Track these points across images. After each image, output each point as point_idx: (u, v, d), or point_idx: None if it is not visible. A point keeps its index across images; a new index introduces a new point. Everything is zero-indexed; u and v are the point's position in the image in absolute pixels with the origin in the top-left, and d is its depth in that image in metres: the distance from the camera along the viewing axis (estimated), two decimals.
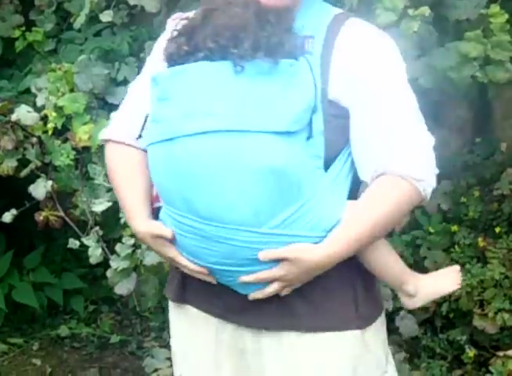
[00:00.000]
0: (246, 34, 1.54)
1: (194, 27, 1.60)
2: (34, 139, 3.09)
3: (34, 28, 3.36)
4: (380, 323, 1.81)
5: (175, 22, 1.69)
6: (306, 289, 1.65)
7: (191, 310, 1.81)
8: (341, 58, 1.63)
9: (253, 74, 1.52)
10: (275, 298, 1.64)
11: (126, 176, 1.76)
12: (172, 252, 1.67)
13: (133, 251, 2.91)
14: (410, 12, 2.37)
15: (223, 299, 1.72)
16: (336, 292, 1.69)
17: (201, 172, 1.52)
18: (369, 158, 1.61)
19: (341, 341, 1.70)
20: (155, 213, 1.72)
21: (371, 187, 1.60)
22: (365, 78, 1.62)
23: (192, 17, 1.64)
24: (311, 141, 1.56)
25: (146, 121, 1.70)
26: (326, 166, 1.61)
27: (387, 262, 1.73)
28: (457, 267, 1.81)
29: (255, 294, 1.63)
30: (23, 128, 3.07)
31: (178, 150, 1.54)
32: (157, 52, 1.79)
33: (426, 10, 2.37)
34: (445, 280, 1.80)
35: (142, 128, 1.71)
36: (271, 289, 1.61)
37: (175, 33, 1.63)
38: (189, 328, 1.84)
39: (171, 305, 1.89)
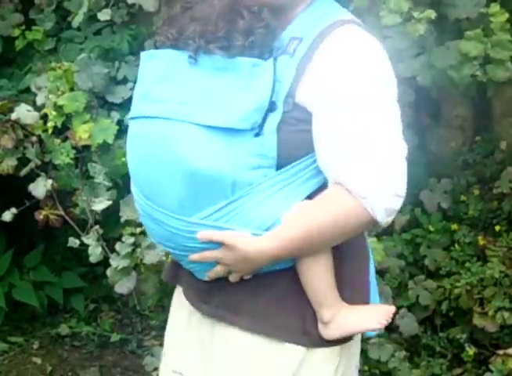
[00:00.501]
0: (207, 27, 1.56)
1: (174, 17, 1.64)
2: (34, 138, 3.09)
3: (33, 27, 3.36)
4: (340, 356, 1.70)
5: None
6: (259, 290, 1.64)
7: (179, 290, 1.85)
8: (319, 63, 1.57)
9: (208, 67, 1.55)
10: (229, 291, 1.66)
11: None
12: None
13: (133, 250, 2.92)
14: (415, 14, 2.37)
15: (194, 285, 1.73)
16: (286, 301, 1.65)
17: (143, 154, 1.61)
18: (326, 166, 1.56)
19: (280, 350, 1.65)
20: None
21: (323, 193, 1.56)
22: (332, 85, 1.54)
23: (174, 9, 1.67)
24: (260, 139, 1.54)
25: None
26: (279, 166, 1.57)
27: (316, 277, 1.62)
28: (387, 307, 1.68)
29: (208, 273, 1.63)
30: (23, 127, 3.08)
31: (133, 128, 1.65)
32: None
33: (432, 13, 2.37)
34: (371, 316, 1.65)
35: None
36: (215, 270, 1.62)
37: (162, 22, 1.69)
38: (174, 308, 1.88)
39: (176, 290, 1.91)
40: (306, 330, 1.65)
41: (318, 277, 1.62)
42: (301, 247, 1.56)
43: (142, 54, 1.67)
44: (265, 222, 1.56)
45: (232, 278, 1.63)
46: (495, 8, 2.43)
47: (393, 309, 1.67)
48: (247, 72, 1.54)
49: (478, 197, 3.30)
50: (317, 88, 1.55)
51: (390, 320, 1.66)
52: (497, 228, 3.23)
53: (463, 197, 3.31)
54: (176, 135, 1.55)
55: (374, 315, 1.65)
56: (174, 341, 1.85)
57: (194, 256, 1.60)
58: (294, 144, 1.57)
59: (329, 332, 1.64)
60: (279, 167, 1.57)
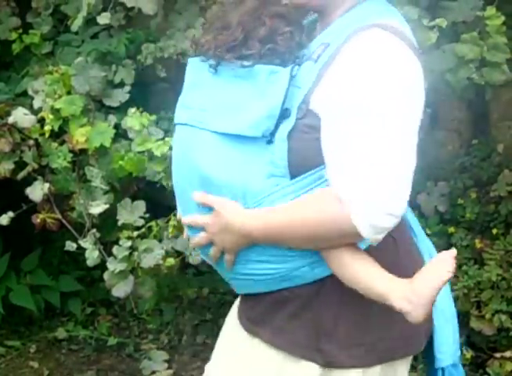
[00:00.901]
0: (224, 35, 1.59)
1: (208, 25, 1.70)
2: (31, 142, 3.09)
3: (30, 31, 3.36)
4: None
5: None
6: (277, 305, 1.64)
7: None
8: (336, 69, 1.50)
9: (228, 76, 1.58)
10: (253, 304, 1.68)
11: None
12: None
13: (130, 254, 2.91)
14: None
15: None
16: (300, 318, 1.63)
17: (174, 159, 1.69)
18: (327, 168, 1.51)
19: (296, 366, 1.63)
20: None
21: (317, 192, 1.52)
22: (342, 91, 1.47)
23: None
24: (271, 147, 1.52)
25: None
26: (292, 175, 1.53)
27: (358, 271, 1.54)
28: (446, 254, 1.52)
29: (192, 239, 1.68)
30: (20, 131, 3.07)
31: (175, 134, 1.72)
32: None
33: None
34: (438, 271, 1.49)
35: None
36: (199, 235, 1.64)
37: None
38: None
39: None
40: (319, 348, 1.60)
41: (356, 276, 1.54)
42: (279, 237, 1.53)
43: (188, 60, 1.73)
44: None
45: (212, 252, 1.63)
46: (491, 11, 2.43)
47: (453, 251, 1.51)
48: (264, 80, 1.53)
49: (475, 200, 3.30)
50: (328, 94, 1.49)
51: (455, 264, 1.50)
52: (494, 231, 3.23)
53: (460, 200, 3.31)
54: (195, 141, 1.60)
55: (440, 268, 1.49)
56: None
57: (186, 219, 1.66)
58: (307, 153, 1.52)
59: (415, 315, 1.47)
60: (293, 176, 1.53)
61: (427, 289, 1.46)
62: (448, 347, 1.73)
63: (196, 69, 1.67)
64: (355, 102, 1.46)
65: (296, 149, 1.51)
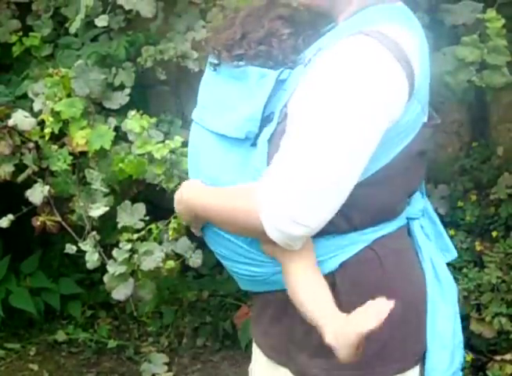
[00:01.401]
0: (224, 35, 1.63)
1: (225, 25, 1.70)
2: (31, 144, 3.09)
3: (31, 33, 3.36)
4: None
5: None
6: (261, 309, 1.70)
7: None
8: (310, 73, 1.46)
9: (225, 75, 1.61)
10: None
11: None
12: None
13: (130, 256, 2.91)
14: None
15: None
16: (277, 324, 1.63)
17: (188, 153, 1.72)
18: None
19: (274, 372, 1.66)
20: None
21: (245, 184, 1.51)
22: (304, 96, 1.44)
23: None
24: (254, 150, 1.50)
25: None
26: None
27: (300, 291, 1.47)
28: (382, 303, 1.30)
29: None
30: (20, 133, 3.07)
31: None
32: None
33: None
34: (368, 316, 1.31)
35: None
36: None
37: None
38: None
39: None
40: (291, 356, 1.62)
41: (297, 294, 1.48)
42: (205, 215, 1.60)
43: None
44: None
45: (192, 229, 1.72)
46: (491, 13, 2.43)
47: (389, 304, 1.28)
48: (254, 82, 1.53)
49: (475, 202, 3.30)
50: (297, 96, 1.46)
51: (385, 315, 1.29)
52: (494, 234, 3.23)
53: (460, 203, 3.31)
54: (199, 139, 1.65)
55: (370, 315, 1.31)
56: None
57: None
58: None
59: (340, 354, 1.36)
60: None
61: (351, 333, 1.32)
62: (440, 374, 1.63)
63: (207, 68, 1.69)
64: (309, 106, 1.41)
65: (273, 153, 1.45)
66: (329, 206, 1.41)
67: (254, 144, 1.50)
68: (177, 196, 1.70)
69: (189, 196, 1.64)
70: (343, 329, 1.35)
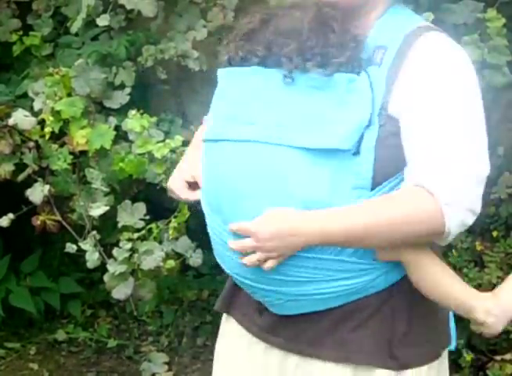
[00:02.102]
0: (298, 41, 1.50)
1: (252, 32, 1.57)
2: (32, 144, 3.09)
3: (31, 32, 3.36)
4: (431, 370, 1.65)
5: None
6: (339, 318, 1.59)
7: (233, 322, 1.78)
8: (409, 71, 1.51)
9: (304, 86, 1.49)
10: (302, 324, 1.61)
11: None
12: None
13: (130, 256, 2.91)
14: None
15: (257, 317, 1.69)
16: (368, 327, 1.59)
17: (232, 180, 1.52)
18: (411, 168, 1.50)
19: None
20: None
21: (398, 192, 1.50)
22: (422, 95, 1.50)
23: (251, 21, 1.59)
24: (358, 158, 1.48)
25: None
26: (373, 186, 1.50)
27: (440, 283, 1.56)
28: None
29: (244, 259, 1.51)
30: (21, 133, 3.07)
31: (217, 152, 1.56)
32: None
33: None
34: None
35: None
36: (253, 257, 1.49)
37: (236, 36, 1.60)
38: (229, 339, 1.80)
39: (223, 318, 1.85)
40: (394, 354, 1.58)
41: (438, 280, 1.56)
42: (343, 239, 1.47)
43: (221, 71, 1.60)
44: (358, 251, 1.52)
45: (253, 258, 1.50)
46: (491, 13, 2.43)
47: None
48: (344, 89, 1.48)
49: None
50: (406, 97, 1.49)
51: None
52: (494, 233, 3.22)
53: None
54: (275, 159, 1.48)
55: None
56: (235, 369, 1.78)
57: (233, 243, 1.51)
58: (388, 160, 1.50)
59: (495, 327, 1.58)
60: (373, 186, 1.50)
61: (508, 309, 1.55)
62: None
63: (254, 80, 1.53)
64: (437, 103, 1.48)
65: (380, 157, 1.48)
66: (482, 191, 1.51)
67: (356, 153, 1.47)
68: (264, 234, 1.47)
69: (293, 226, 1.47)
70: (499, 303, 1.54)
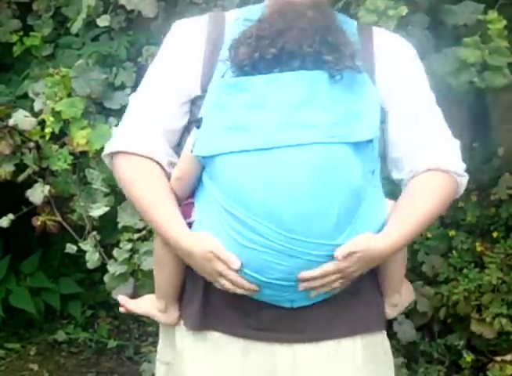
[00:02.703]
0: (332, 38, 1.56)
1: (278, 30, 1.55)
2: (32, 144, 3.09)
3: (31, 33, 3.36)
4: None
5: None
6: (338, 298, 1.66)
7: (214, 335, 1.74)
8: (383, 66, 1.69)
9: (346, 83, 1.56)
10: (307, 311, 1.66)
11: (157, 190, 1.69)
12: (222, 267, 1.60)
13: (130, 256, 2.91)
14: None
15: (253, 318, 1.69)
16: (365, 298, 1.73)
17: (297, 184, 1.51)
18: (408, 157, 1.68)
19: (380, 339, 1.77)
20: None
21: (421, 181, 1.66)
22: (405, 83, 1.71)
23: (269, 19, 1.59)
24: (370, 146, 1.58)
25: (185, 131, 1.71)
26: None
27: (400, 263, 1.76)
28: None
29: (304, 275, 1.56)
30: (21, 133, 3.07)
31: (274, 159, 1.52)
32: (187, 57, 1.73)
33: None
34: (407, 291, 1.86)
35: (181, 138, 1.70)
36: (328, 279, 1.58)
37: (246, 36, 1.58)
38: (213, 355, 1.75)
39: (187, 334, 1.79)
40: (383, 314, 1.79)
41: (398, 263, 1.74)
42: (417, 233, 1.67)
43: (261, 78, 1.56)
44: (379, 223, 1.63)
45: (338, 285, 1.61)
46: (492, 15, 2.43)
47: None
48: (360, 83, 1.59)
49: (476, 203, 3.30)
50: (393, 88, 1.69)
51: None
52: (495, 234, 3.23)
53: (460, 204, 3.31)
54: (338, 156, 1.52)
55: (407, 289, 1.86)
56: None
57: (311, 272, 1.56)
58: (380, 145, 1.67)
59: (393, 313, 1.81)
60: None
61: (403, 304, 1.90)
62: None
63: (302, 84, 1.55)
64: (421, 89, 1.74)
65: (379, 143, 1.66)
66: None
67: (370, 140, 1.57)
68: (359, 262, 1.58)
69: (379, 248, 1.59)
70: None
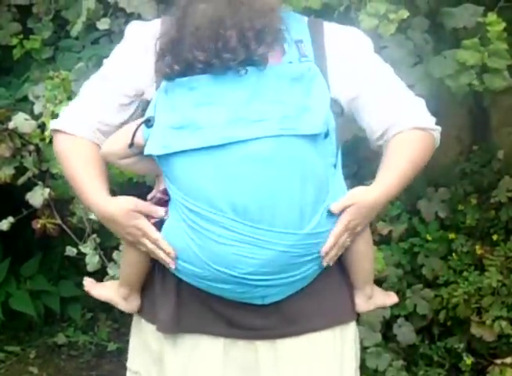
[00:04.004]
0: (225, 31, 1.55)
1: (172, 40, 1.59)
2: (32, 147, 3.09)
3: (31, 36, 3.36)
4: None
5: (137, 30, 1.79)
6: (309, 292, 1.72)
7: (192, 336, 1.77)
8: (335, 58, 1.71)
9: (294, 77, 1.59)
10: (281, 306, 1.70)
11: (84, 163, 1.75)
12: (147, 226, 1.66)
13: None
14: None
15: (228, 317, 1.72)
16: (334, 291, 1.78)
17: (256, 176, 1.56)
18: (379, 122, 1.72)
19: (352, 330, 1.84)
20: (158, 226, 1.69)
21: (402, 137, 1.70)
22: (362, 67, 1.73)
23: (165, 28, 1.64)
24: (328, 139, 1.63)
25: (139, 127, 1.65)
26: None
27: (367, 254, 1.79)
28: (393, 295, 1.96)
29: (326, 249, 1.66)
30: (21, 136, 3.07)
31: (230, 155, 1.55)
32: (140, 56, 1.75)
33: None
34: (385, 296, 1.94)
35: (134, 135, 1.66)
36: (341, 241, 1.67)
37: (160, 52, 1.62)
38: (190, 357, 1.77)
39: (162, 338, 1.81)
40: (354, 306, 1.84)
41: (366, 255, 1.79)
42: (403, 184, 1.71)
43: (205, 77, 1.58)
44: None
45: (348, 242, 1.70)
46: (492, 17, 2.43)
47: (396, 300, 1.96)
48: (308, 78, 1.61)
49: (476, 206, 3.30)
50: (352, 77, 1.71)
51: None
52: (494, 237, 3.23)
53: (460, 206, 3.31)
54: (291, 148, 1.56)
55: (387, 296, 1.94)
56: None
57: (327, 247, 1.66)
58: (339, 138, 1.70)
59: (368, 306, 1.85)
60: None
61: (379, 300, 1.96)
62: None
63: (227, 84, 1.57)
64: (377, 67, 1.76)
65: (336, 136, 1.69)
66: None
67: (327, 134, 1.62)
68: (358, 215, 1.68)
69: (374, 197, 1.68)
70: (375, 293, 1.91)
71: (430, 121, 1.75)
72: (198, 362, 1.76)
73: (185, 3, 1.60)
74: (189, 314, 1.74)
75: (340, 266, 1.78)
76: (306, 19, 1.79)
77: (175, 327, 1.76)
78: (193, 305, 1.73)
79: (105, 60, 1.84)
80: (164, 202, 1.69)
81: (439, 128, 1.77)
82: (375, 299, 1.87)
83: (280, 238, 1.58)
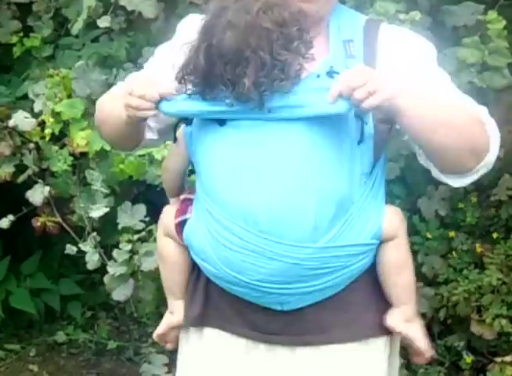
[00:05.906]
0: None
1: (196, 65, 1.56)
2: (32, 145, 3.09)
3: (31, 34, 3.36)
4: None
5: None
6: (333, 304, 1.67)
7: (216, 333, 1.76)
8: (386, 59, 1.64)
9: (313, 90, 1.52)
10: (303, 315, 1.67)
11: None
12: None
13: (130, 257, 2.91)
14: (401, 16, 2.38)
15: (251, 319, 1.70)
16: (359, 304, 1.71)
17: (269, 188, 1.53)
18: None
19: (381, 345, 1.74)
20: (181, 226, 1.70)
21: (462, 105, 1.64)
22: (413, 71, 1.63)
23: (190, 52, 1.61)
24: (362, 146, 1.56)
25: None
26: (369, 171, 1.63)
27: (399, 267, 1.74)
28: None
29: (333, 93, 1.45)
30: (21, 134, 3.08)
31: (246, 157, 1.56)
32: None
33: (416, 15, 2.37)
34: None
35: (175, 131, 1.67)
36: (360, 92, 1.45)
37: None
38: (216, 352, 1.76)
39: (189, 333, 1.81)
40: (383, 322, 1.72)
41: (399, 268, 1.73)
42: (428, 112, 1.53)
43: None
44: (374, 228, 1.62)
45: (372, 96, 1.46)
46: (492, 15, 2.43)
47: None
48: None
49: (476, 204, 3.29)
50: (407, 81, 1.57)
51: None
52: (495, 235, 3.22)
53: (460, 205, 3.30)
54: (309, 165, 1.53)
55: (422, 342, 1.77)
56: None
57: (332, 95, 1.44)
58: (380, 146, 1.62)
59: (397, 325, 1.72)
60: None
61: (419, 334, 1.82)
62: None
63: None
64: (435, 75, 1.68)
65: (375, 144, 1.63)
66: None
67: (360, 141, 1.56)
68: (375, 77, 1.46)
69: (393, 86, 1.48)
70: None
71: (492, 123, 1.70)
72: (221, 358, 1.75)
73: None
74: (215, 312, 1.74)
75: (373, 279, 1.72)
76: (365, 18, 1.74)
77: (201, 320, 1.76)
78: (220, 305, 1.72)
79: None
80: (187, 201, 1.74)
81: (496, 138, 1.70)
82: (410, 328, 1.74)
83: (291, 251, 1.54)
